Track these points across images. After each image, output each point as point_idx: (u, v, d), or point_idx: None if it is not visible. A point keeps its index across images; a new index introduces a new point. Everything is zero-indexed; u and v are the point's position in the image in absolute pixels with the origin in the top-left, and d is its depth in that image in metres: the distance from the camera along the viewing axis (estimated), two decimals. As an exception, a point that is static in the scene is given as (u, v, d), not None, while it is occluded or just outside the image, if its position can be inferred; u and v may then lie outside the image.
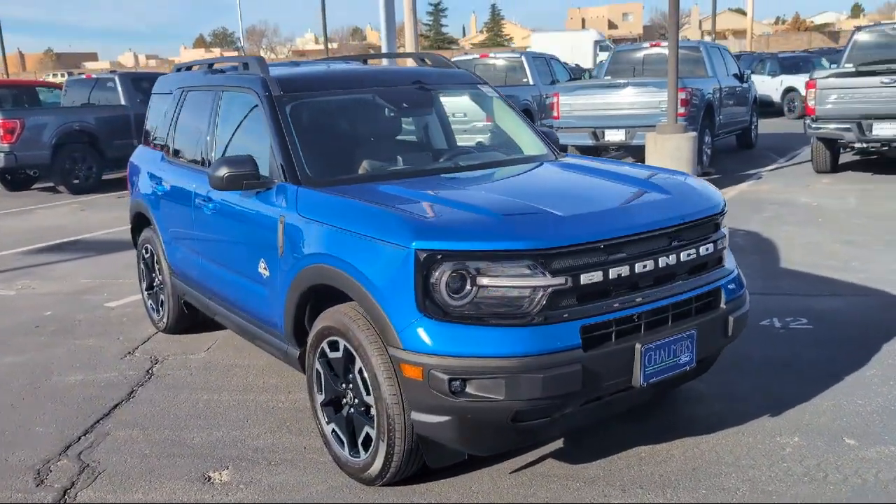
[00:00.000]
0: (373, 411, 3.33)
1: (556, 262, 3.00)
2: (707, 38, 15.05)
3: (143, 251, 5.84)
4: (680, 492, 3.33)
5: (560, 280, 2.98)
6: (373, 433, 3.31)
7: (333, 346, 3.48)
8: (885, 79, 10.55)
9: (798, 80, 22.08)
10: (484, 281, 2.98)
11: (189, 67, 5.74)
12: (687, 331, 3.29)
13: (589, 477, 3.49)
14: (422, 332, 3.00)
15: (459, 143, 4.96)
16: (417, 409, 3.11)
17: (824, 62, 24.20)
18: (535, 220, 3.16)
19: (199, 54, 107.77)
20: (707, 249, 3.46)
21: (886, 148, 10.81)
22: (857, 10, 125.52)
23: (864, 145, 10.94)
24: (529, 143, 4.70)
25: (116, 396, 4.69)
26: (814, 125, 11.24)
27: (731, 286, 3.58)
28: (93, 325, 6.14)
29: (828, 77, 11.14)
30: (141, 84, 15.02)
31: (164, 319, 5.66)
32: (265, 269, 3.94)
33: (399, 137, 4.69)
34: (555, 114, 12.50)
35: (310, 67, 4.95)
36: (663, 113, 11.36)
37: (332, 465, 3.68)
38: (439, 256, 2.98)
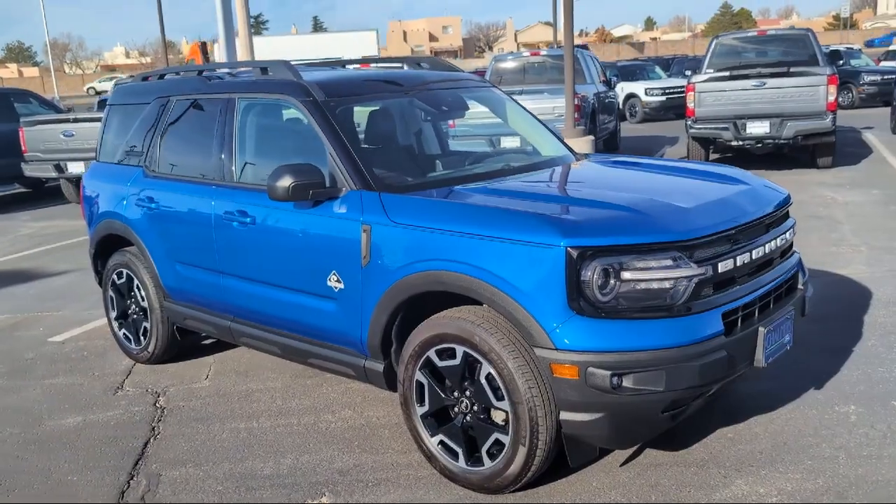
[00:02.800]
0: (498, 417, 3.27)
1: (699, 252, 3.09)
2: (523, 51, 15.64)
3: (115, 276, 5.34)
4: (790, 466, 3.51)
5: (703, 269, 3.07)
6: (504, 439, 3.24)
7: (446, 354, 3.37)
8: (756, 82, 11.54)
9: (637, 87, 23.65)
10: (631, 275, 3.01)
11: (162, 76, 5.33)
12: (788, 312, 3.49)
13: (697, 461, 3.60)
14: (576, 331, 2.99)
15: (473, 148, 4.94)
16: (568, 408, 3.09)
17: (658, 70, 26.10)
18: (672, 212, 3.23)
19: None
20: (791, 234, 3.69)
21: (760, 145, 11.81)
22: (650, 23, 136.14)
23: (740, 143, 11.89)
24: (553, 143, 4.76)
25: (138, 435, 4.27)
26: (695, 126, 12.09)
27: (802, 269, 3.83)
28: (51, 362, 5.54)
29: (705, 81, 12.02)
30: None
31: (149, 349, 5.21)
32: (338, 281, 3.75)
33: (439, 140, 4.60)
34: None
35: (335, 72, 4.75)
36: (559, 119, 11.81)
37: (437, 479, 3.56)
38: (590, 253, 2.98)
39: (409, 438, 3.85)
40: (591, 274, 2.98)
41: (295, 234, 3.94)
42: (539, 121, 4.99)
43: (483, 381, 3.26)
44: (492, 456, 3.32)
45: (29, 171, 12.82)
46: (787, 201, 3.76)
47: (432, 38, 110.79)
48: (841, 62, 23.32)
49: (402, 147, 4.30)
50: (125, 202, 5.09)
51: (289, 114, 4.31)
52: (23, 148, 12.66)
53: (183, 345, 5.30)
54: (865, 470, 3.44)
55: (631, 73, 25.74)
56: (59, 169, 12.50)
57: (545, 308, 3.04)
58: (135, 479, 3.79)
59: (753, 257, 3.32)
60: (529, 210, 3.23)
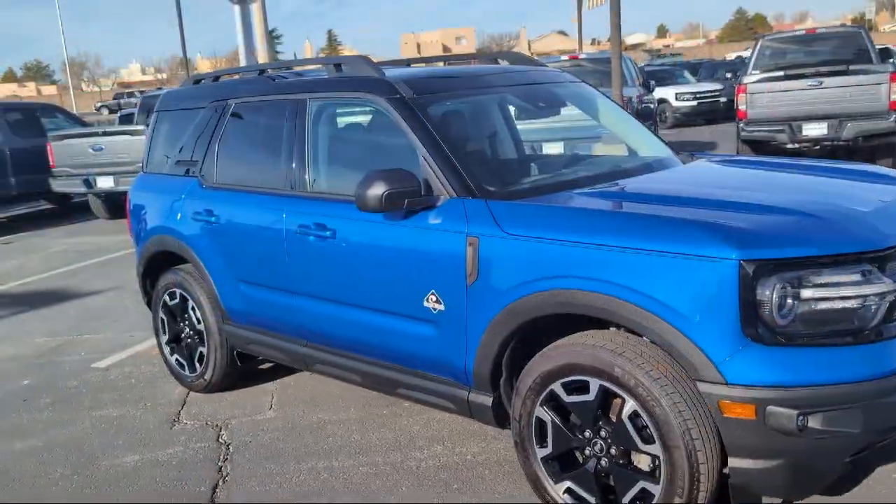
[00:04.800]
0: (643, 462, 2.78)
1: (890, 264, 2.59)
2: (561, 55, 15.03)
3: (167, 297, 4.89)
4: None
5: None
6: (654, 488, 2.74)
7: (575, 387, 2.89)
8: (812, 81, 11.01)
9: (668, 92, 23.11)
10: (814, 293, 2.52)
11: (216, 78, 4.89)
12: None
13: (866, 508, 3.09)
14: (752, 361, 2.50)
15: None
16: (739, 453, 2.59)
17: (687, 74, 25.55)
18: (855, 216, 2.74)
19: (12, 89, 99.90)
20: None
21: (818, 147, 11.27)
22: (662, 31, 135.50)
23: (796, 145, 11.35)
24: (653, 142, 4.28)
25: (205, 476, 3.80)
26: (747, 128, 11.57)
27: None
28: (98, 391, 5.09)
29: (758, 81, 11.50)
30: (14, 115, 13.38)
31: (206, 376, 4.74)
32: (437, 302, 3.27)
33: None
34: None
35: (417, 69, 4.28)
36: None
37: (563, 531, 3.06)
38: (770, 267, 2.49)
39: (515, 479, 3.39)
40: (770, 293, 2.49)
41: (384, 250, 3.47)
42: (634, 117, 4.49)
43: (626, 420, 2.77)
44: (636, 506, 2.82)
45: (57, 186, 12.46)
46: None
47: (446, 49, 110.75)
48: (893, 60, 22.70)
49: (497, 148, 3.83)
50: (179, 216, 4.64)
51: (370, 114, 3.84)
52: (51, 163, 12.31)
53: (240, 371, 4.84)
54: None
55: (659, 77, 25.21)
56: (88, 184, 12.12)
57: (712, 335, 2.54)
58: (210, 531, 3.33)
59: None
60: (688, 217, 2.74)
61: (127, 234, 11.35)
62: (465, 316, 3.19)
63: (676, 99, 22.99)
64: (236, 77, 4.73)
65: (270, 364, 4.96)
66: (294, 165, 3.97)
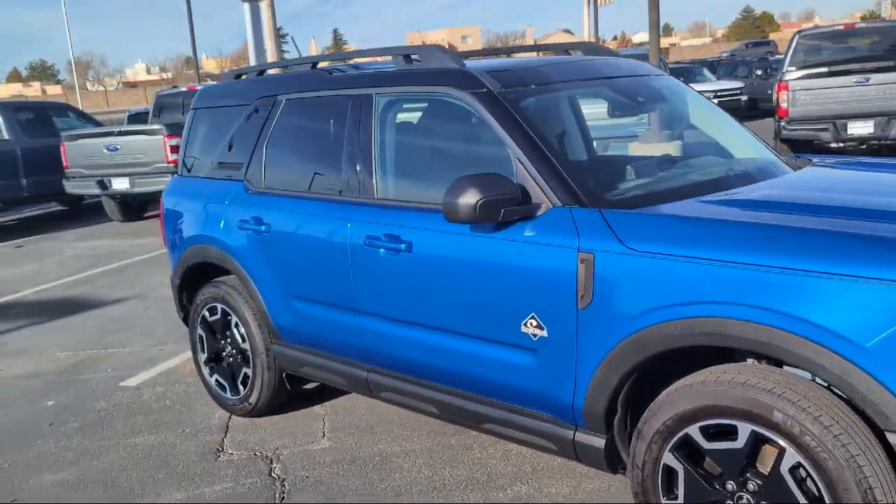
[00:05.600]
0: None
1: None
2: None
3: (207, 312, 4.46)
4: None
5: None
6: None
7: (718, 432, 2.45)
8: (859, 78, 10.55)
9: (689, 90, 22.56)
10: None
11: (261, 72, 4.46)
12: None
13: None
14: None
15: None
16: (936, 519, 2.15)
17: (706, 73, 25.05)
18: None
19: (17, 89, 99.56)
20: None
21: (864, 146, 10.81)
22: (667, 30, 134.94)
23: (840, 145, 10.90)
24: (754, 144, 3.82)
25: (262, 520, 3.37)
26: (788, 127, 11.11)
27: None
28: (129, 414, 4.66)
29: (801, 78, 11.05)
30: (25, 115, 12.96)
31: (251, 399, 4.31)
32: (538, 328, 2.83)
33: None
34: None
35: (502, 60, 3.84)
36: (638, 123, 10.89)
37: None
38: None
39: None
40: None
41: (472, 266, 3.02)
42: (730, 116, 4.05)
43: (785, 473, 2.32)
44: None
45: (71, 187, 12.04)
46: None
47: (451, 48, 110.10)
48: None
49: (597, 149, 3.39)
50: (222, 224, 4.20)
51: (448, 111, 3.40)
52: (64, 163, 11.89)
53: (287, 393, 4.41)
54: None
55: (678, 76, 24.70)
56: (103, 185, 11.70)
57: None
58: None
59: None
60: (869, 233, 2.30)
61: (144, 237, 11.06)
62: (573, 344, 2.75)
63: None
64: (282, 71, 4.28)
65: (316, 384, 4.53)
66: (358, 169, 3.53)
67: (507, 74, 3.22)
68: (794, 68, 11.63)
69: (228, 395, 4.45)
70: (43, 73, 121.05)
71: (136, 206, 12.89)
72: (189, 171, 4.67)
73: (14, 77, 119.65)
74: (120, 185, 11.61)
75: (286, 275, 3.88)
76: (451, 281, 3.10)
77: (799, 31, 12.87)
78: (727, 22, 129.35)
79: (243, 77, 4.55)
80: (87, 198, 13.43)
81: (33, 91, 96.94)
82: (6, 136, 12.26)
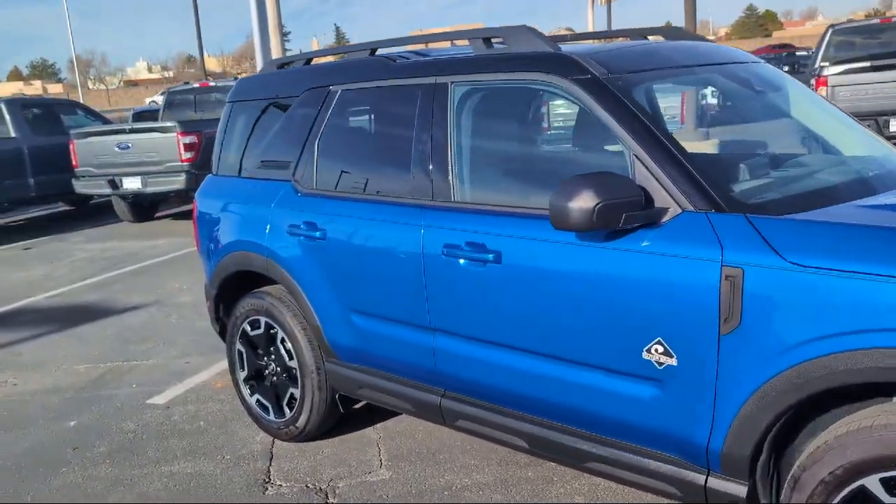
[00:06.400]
0: None
1: None
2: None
3: (248, 326, 4.04)
4: None
5: None
6: None
7: (906, 484, 2.03)
8: (905, 72, 10.11)
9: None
10: None
11: (308, 61, 4.04)
12: None
13: None
14: None
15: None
16: None
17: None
18: None
19: (18, 87, 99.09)
20: None
21: (908, 145, 10.37)
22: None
23: (883, 143, 10.46)
24: (870, 140, 3.40)
25: (326, 568, 2.95)
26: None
27: None
28: (162, 437, 4.24)
29: (841, 73, 10.60)
30: (33, 112, 12.54)
31: (299, 423, 3.89)
32: (665, 355, 2.41)
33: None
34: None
35: (600, 45, 3.41)
36: (670, 121, 10.49)
37: None
38: None
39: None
40: None
41: (581, 281, 2.60)
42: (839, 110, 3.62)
43: None
44: None
45: (80, 187, 11.61)
46: None
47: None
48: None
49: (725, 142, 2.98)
50: (268, 229, 3.78)
51: (540, 101, 2.98)
52: (74, 162, 11.47)
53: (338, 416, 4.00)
54: None
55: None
56: (114, 185, 11.27)
57: None
58: None
59: None
60: None
61: (157, 239, 10.62)
62: (712, 376, 2.33)
63: (712, 96, 22.11)
64: (340, 58, 3.85)
65: (362, 403, 4.11)
66: (431, 168, 3.11)
67: (613, 59, 2.81)
68: (826, 63, 11.19)
69: (272, 417, 4.03)
70: (44, 71, 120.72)
71: (146, 206, 12.48)
72: (226, 170, 4.25)
73: (15, 75, 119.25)
74: (131, 184, 11.19)
75: (344, 287, 3.46)
76: (552, 298, 2.68)
77: (832, 26, 12.44)
78: (730, 20, 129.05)
79: (287, 66, 4.13)
80: (95, 197, 13.02)
81: (34, 90, 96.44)
82: (13, 134, 11.85)
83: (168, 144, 10.88)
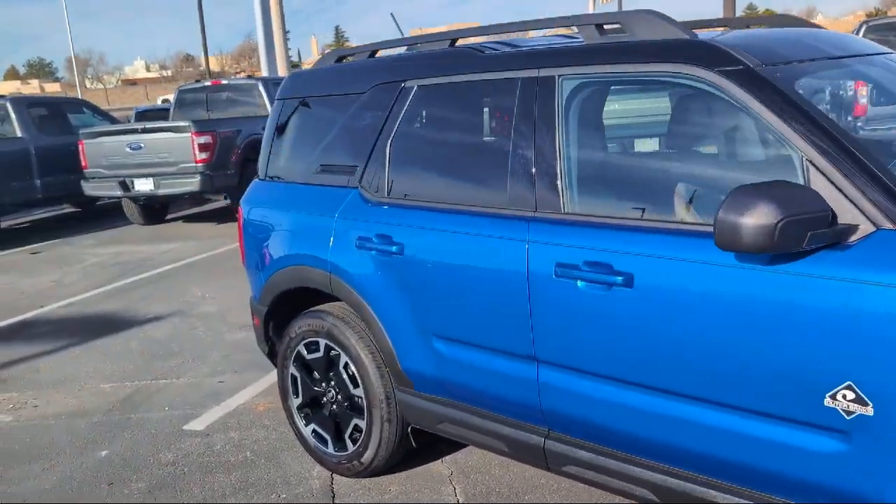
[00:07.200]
0: None
1: None
2: None
3: (303, 349, 3.62)
4: None
5: None
6: None
7: None
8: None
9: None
10: None
11: (374, 53, 3.62)
12: None
13: None
14: None
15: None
16: None
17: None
18: None
19: (15, 86, 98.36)
20: None
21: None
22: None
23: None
24: None
25: None
26: (866, 127, 10.26)
27: None
28: (206, 470, 3.83)
29: (883, 72, 10.22)
30: (39, 111, 12.11)
31: (364, 458, 3.48)
32: (857, 402, 2.01)
33: None
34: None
35: (739, 32, 2.98)
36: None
37: None
38: None
39: None
40: None
41: (742, 311, 2.18)
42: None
43: None
44: None
45: (90, 189, 11.18)
46: None
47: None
48: None
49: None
50: (332, 241, 3.36)
51: (679, 96, 2.56)
52: (83, 163, 11.04)
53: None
54: None
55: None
56: (125, 187, 10.84)
57: None
58: None
59: None
60: None
61: (170, 243, 10.19)
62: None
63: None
64: (413, 50, 3.43)
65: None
66: (534, 174, 2.69)
67: (765, 48, 2.40)
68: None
69: (331, 449, 3.62)
70: (41, 70, 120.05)
71: (157, 209, 12.06)
72: (276, 174, 3.83)
73: (11, 75, 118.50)
74: (143, 186, 10.77)
75: (425, 308, 3.04)
76: (703, 330, 2.26)
77: (865, 22, 12.08)
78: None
79: (347, 60, 3.71)
80: (100, 198, 12.58)
81: (31, 89, 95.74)
82: (19, 134, 11.42)
83: (182, 145, 10.46)
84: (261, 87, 12.09)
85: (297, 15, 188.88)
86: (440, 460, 3.73)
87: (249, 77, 14.73)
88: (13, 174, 11.03)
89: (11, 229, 12.27)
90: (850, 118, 3.45)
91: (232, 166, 10.66)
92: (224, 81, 12.95)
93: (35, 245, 10.87)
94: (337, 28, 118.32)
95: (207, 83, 13.15)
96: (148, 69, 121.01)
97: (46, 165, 11.46)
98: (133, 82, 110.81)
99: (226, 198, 11.11)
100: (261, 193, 3.90)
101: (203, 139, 10.43)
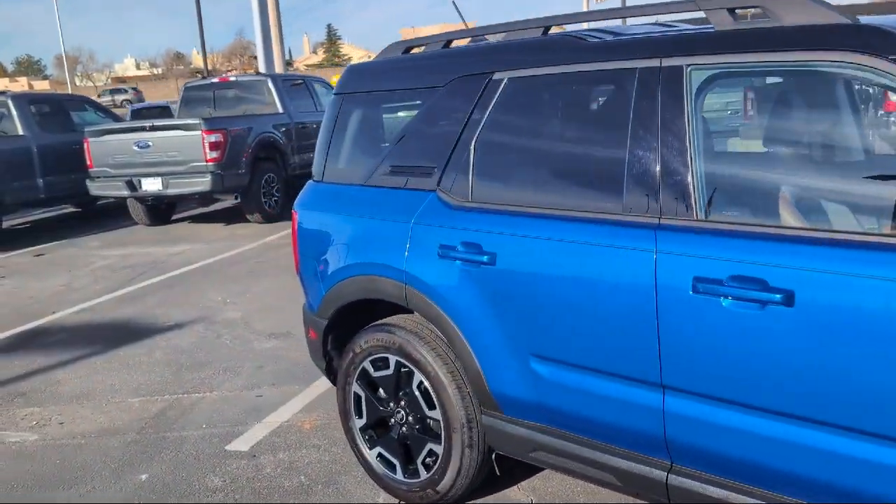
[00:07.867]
0: None
1: None
2: None
3: (370, 365, 3.32)
4: None
5: None
6: None
7: None
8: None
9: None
10: None
11: (448, 43, 3.31)
12: None
13: None
14: None
15: None
16: None
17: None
18: None
19: (4, 84, 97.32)
20: None
21: None
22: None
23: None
24: None
25: None
26: None
27: None
28: (259, 498, 3.51)
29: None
30: (41, 108, 11.72)
31: (443, 486, 3.17)
32: None
33: None
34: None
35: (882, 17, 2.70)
36: (732, 116, 9.88)
37: None
38: None
39: None
40: None
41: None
42: None
43: None
44: None
45: (95, 189, 10.82)
46: None
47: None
48: None
49: None
50: (407, 249, 3.06)
51: (839, 88, 2.27)
52: (88, 162, 10.67)
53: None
54: None
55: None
56: (132, 186, 10.49)
57: None
58: None
59: None
60: None
61: (179, 244, 9.84)
62: None
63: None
64: (500, 39, 3.12)
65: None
66: (660, 176, 2.40)
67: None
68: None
69: (400, 476, 3.31)
70: (30, 68, 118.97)
71: (163, 209, 11.71)
72: (336, 176, 3.52)
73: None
74: (151, 186, 10.42)
75: (523, 325, 2.74)
76: (883, 358, 1.97)
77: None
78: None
79: (417, 50, 3.41)
80: (99, 199, 12.20)
81: (19, 86, 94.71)
82: (21, 132, 11.03)
83: (192, 143, 10.12)
84: (270, 84, 11.78)
85: (288, 13, 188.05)
86: (516, 486, 3.44)
87: (257, 73, 14.40)
88: (15, 173, 10.65)
89: (12, 230, 11.88)
90: (880, 113, 3.19)
91: (243, 165, 10.32)
92: (232, 78, 12.59)
93: (39, 246, 10.50)
94: (329, 26, 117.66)
95: (215, 80, 12.80)
96: (138, 67, 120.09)
97: (49, 164, 11.09)
98: (123, 80, 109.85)
99: (236, 198, 10.78)
100: (319, 197, 3.59)
101: (214, 137, 10.09)
